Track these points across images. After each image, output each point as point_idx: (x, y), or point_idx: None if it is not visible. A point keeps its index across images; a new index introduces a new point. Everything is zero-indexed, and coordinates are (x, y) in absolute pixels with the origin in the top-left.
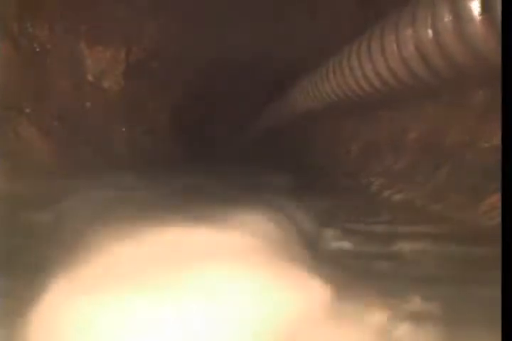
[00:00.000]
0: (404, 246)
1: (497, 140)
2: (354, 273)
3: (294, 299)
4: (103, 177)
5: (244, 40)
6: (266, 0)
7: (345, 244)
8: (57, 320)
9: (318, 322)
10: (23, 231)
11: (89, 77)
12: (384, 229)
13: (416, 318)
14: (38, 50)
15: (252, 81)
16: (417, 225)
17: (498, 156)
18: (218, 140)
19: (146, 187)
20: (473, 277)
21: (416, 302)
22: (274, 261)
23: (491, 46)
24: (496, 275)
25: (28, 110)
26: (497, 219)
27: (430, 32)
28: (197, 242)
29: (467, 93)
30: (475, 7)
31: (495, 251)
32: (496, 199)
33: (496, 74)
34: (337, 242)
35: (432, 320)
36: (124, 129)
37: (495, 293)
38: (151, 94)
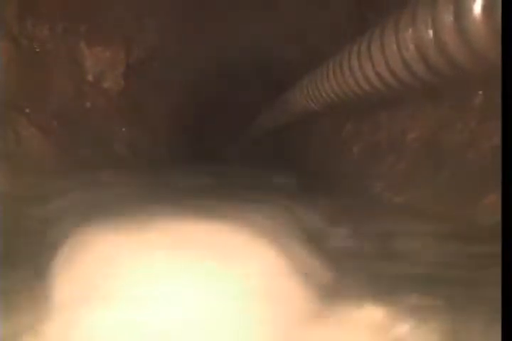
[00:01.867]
0: (405, 245)
1: (497, 140)
2: (354, 272)
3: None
4: (103, 176)
5: (245, 39)
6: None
7: (346, 243)
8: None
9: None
10: (23, 231)
11: (89, 77)
12: (384, 228)
13: (416, 318)
14: (38, 50)
15: (252, 81)
16: (417, 224)
17: (498, 156)
18: (218, 140)
19: (147, 188)
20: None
21: (416, 302)
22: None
23: (492, 46)
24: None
25: (28, 110)
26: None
27: (430, 32)
28: (199, 241)
29: (468, 93)
30: (475, 7)
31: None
32: (495, 198)
33: (496, 74)
34: (337, 241)
35: (433, 319)
36: (124, 129)
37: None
38: (151, 94)
